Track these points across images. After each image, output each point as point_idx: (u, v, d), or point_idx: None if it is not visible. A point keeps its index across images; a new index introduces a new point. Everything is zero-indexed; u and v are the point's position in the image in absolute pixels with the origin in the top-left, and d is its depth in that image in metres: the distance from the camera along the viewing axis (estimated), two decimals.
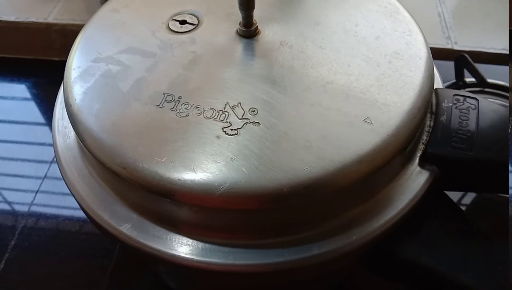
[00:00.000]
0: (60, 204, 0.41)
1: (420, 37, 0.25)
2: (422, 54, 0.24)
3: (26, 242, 0.39)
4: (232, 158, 0.19)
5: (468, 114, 0.24)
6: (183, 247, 0.21)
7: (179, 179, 0.19)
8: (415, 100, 0.22)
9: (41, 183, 0.42)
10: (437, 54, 0.46)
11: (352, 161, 0.19)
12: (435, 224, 0.23)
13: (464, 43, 0.47)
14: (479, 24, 0.49)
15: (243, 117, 0.21)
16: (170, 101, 0.22)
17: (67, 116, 0.26)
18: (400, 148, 0.21)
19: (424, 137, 0.24)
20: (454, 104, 0.24)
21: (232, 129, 0.20)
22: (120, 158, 0.20)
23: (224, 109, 0.21)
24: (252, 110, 0.21)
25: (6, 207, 0.41)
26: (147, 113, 0.21)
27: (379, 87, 0.22)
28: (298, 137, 0.20)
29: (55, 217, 0.40)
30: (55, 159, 0.25)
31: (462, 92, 0.25)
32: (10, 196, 0.42)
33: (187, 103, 0.21)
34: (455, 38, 0.48)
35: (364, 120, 0.21)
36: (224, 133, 0.20)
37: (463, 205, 0.38)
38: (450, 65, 0.42)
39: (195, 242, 0.21)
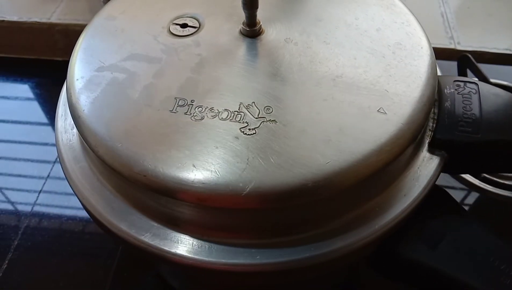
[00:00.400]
0: (63, 204, 0.41)
1: (418, 27, 0.25)
2: (423, 43, 0.24)
3: (29, 242, 0.38)
4: (254, 157, 0.19)
5: (471, 99, 0.25)
6: (208, 252, 0.20)
7: (203, 183, 0.19)
8: (423, 88, 0.22)
9: (44, 183, 0.42)
10: (440, 54, 0.46)
11: (372, 152, 0.20)
12: (438, 224, 0.23)
13: (467, 43, 0.48)
14: (482, 24, 0.50)
15: (259, 116, 0.21)
16: (183, 106, 0.21)
17: (70, 128, 0.25)
18: (415, 135, 0.21)
19: (431, 124, 0.24)
20: (456, 89, 0.25)
21: (249, 129, 0.20)
22: (139, 166, 0.20)
23: (239, 109, 0.21)
24: (267, 109, 0.21)
25: (9, 207, 0.41)
26: (161, 119, 0.21)
27: (387, 77, 0.22)
28: (316, 132, 0.20)
29: (58, 217, 0.40)
30: (59, 159, 0.25)
31: (462, 77, 0.26)
32: (13, 196, 0.42)
33: (200, 106, 0.21)
34: (458, 38, 0.48)
35: (378, 110, 0.21)
36: (242, 133, 0.20)
37: (466, 205, 0.39)
38: (453, 65, 0.42)
39: (216, 246, 0.21)
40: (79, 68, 0.24)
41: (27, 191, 0.42)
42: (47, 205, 0.41)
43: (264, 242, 0.21)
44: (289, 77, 0.22)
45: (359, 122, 0.21)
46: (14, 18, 0.52)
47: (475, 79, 0.26)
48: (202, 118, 0.21)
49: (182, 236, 0.21)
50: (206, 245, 0.21)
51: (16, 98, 0.51)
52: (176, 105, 0.21)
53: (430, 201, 0.23)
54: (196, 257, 0.20)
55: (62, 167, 0.24)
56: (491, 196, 0.37)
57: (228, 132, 0.20)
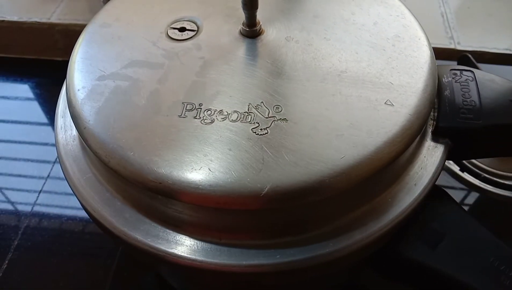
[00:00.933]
0: (63, 204, 0.41)
1: (413, 19, 0.26)
2: (420, 34, 0.25)
3: (29, 242, 0.38)
4: (269, 157, 0.19)
5: (468, 86, 0.25)
6: (227, 255, 0.20)
7: (220, 186, 0.19)
8: (426, 78, 0.23)
9: (44, 183, 0.42)
10: (440, 54, 0.46)
11: (384, 144, 0.20)
12: (438, 224, 0.23)
13: (467, 43, 0.48)
14: (482, 24, 0.50)
15: (269, 116, 0.21)
16: (191, 110, 0.21)
17: (71, 140, 0.25)
18: (422, 125, 0.22)
19: (432, 113, 0.25)
20: (453, 78, 0.26)
21: (261, 129, 0.20)
22: (154, 174, 0.19)
23: (248, 110, 0.21)
24: (276, 107, 0.21)
25: (9, 207, 0.41)
26: (170, 124, 0.21)
27: (390, 70, 0.23)
28: (327, 128, 0.20)
29: (58, 217, 0.40)
30: (58, 160, 0.24)
31: (457, 66, 0.27)
32: (13, 196, 0.42)
33: (209, 109, 0.21)
34: (458, 38, 0.48)
35: (385, 103, 0.21)
36: (254, 133, 0.20)
37: (466, 205, 0.39)
38: (453, 65, 0.43)
39: (233, 249, 0.20)
40: (79, 78, 0.23)
41: (27, 191, 0.42)
42: (47, 205, 0.41)
43: (281, 241, 0.21)
44: (294, 75, 0.23)
45: (368, 115, 0.21)
46: (14, 18, 0.52)
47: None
48: (212, 121, 0.21)
49: (198, 242, 0.21)
50: (225, 249, 0.20)
51: (16, 98, 0.50)
52: (184, 109, 0.21)
53: (430, 201, 0.23)
54: (216, 261, 0.20)
55: (67, 181, 0.24)
56: (491, 196, 0.38)
57: (240, 134, 0.20)
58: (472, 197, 0.40)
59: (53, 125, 0.26)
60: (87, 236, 0.39)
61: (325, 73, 0.23)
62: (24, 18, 0.51)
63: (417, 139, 0.23)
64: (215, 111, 0.21)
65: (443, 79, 0.26)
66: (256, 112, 0.21)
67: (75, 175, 0.23)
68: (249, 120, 0.21)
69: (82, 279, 0.36)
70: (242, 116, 0.21)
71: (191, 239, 0.21)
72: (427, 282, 0.23)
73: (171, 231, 0.21)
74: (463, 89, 0.25)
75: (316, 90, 0.22)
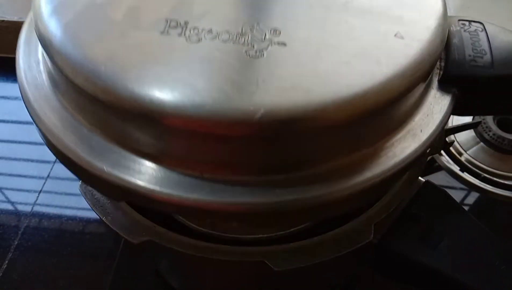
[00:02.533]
0: (63, 204, 0.41)
1: None
2: None
3: (29, 242, 0.39)
4: (264, 80, 0.17)
5: (478, 36, 0.23)
6: (209, 191, 0.18)
7: (207, 106, 0.16)
8: (438, 15, 0.21)
9: (44, 183, 0.42)
10: None
11: (394, 76, 0.18)
12: (438, 224, 0.22)
13: None
14: None
15: (266, 38, 0.18)
16: (175, 27, 0.18)
17: (35, 64, 0.22)
18: (433, 63, 0.20)
19: (438, 63, 0.23)
20: (462, 27, 0.24)
21: (256, 51, 0.18)
22: (128, 91, 0.16)
23: (242, 31, 0.18)
24: (274, 31, 0.19)
25: (9, 207, 0.41)
26: (151, 40, 0.18)
27: (400, 5, 0.21)
28: (332, 56, 0.18)
29: (58, 217, 0.40)
30: (19, 88, 0.22)
31: (466, 16, 0.25)
32: (13, 196, 0.42)
33: (196, 28, 0.18)
34: None
35: (395, 35, 0.19)
36: (248, 56, 0.18)
37: (466, 205, 0.38)
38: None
39: (215, 185, 0.18)
40: None
41: (27, 191, 0.42)
42: (47, 205, 0.41)
43: (271, 179, 0.18)
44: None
45: (376, 45, 0.19)
46: (14, 18, 0.51)
47: None
48: (199, 40, 0.18)
49: (176, 175, 0.18)
50: (206, 184, 0.18)
51: (16, 98, 0.49)
52: (167, 27, 0.18)
53: (430, 201, 0.23)
54: (195, 196, 0.17)
55: (28, 109, 0.21)
56: (491, 196, 0.37)
57: (231, 54, 0.18)
58: (472, 197, 0.39)
59: None
60: (87, 236, 0.39)
61: (330, 2, 0.20)
62: (24, 18, 0.48)
63: (423, 86, 0.20)
64: (203, 30, 0.18)
65: (451, 28, 0.24)
66: (251, 33, 0.18)
67: (37, 102, 0.20)
68: (242, 42, 0.18)
69: (82, 279, 0.36)
70: (235, 37, 0.18)
71: (168, 172, 0.18)
72: (427, 282, 0.23)
73: (145, 161, 0.18)
74: (472, 38, 0.23)
75: (320, 18, 0.19)
